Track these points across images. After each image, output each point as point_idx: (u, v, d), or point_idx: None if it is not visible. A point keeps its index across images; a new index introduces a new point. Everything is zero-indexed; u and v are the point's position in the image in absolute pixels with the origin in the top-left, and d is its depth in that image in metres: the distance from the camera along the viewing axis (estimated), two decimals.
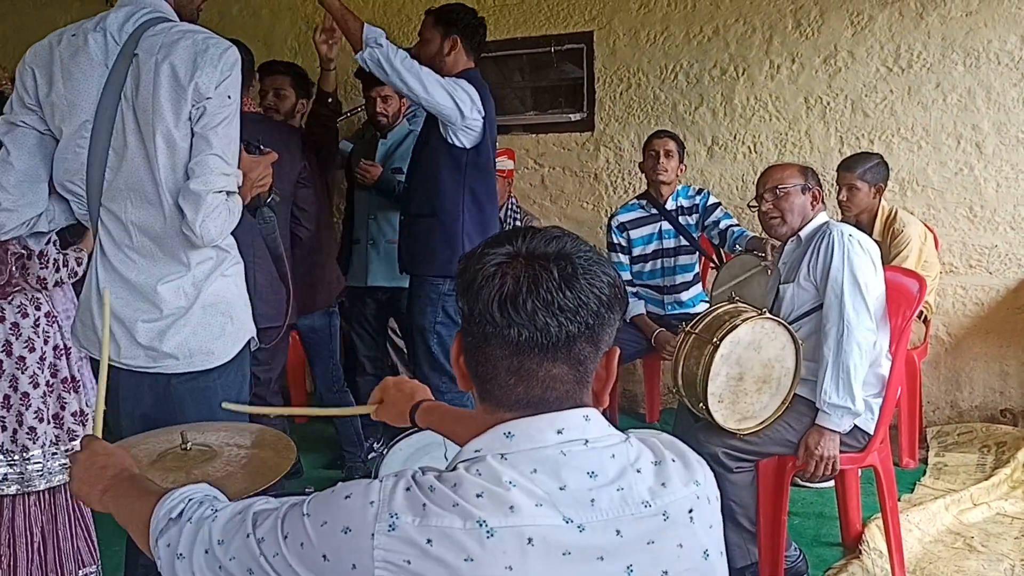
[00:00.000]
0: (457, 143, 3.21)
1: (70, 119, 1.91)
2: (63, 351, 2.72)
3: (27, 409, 2.62)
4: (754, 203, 3.00)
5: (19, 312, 2.64)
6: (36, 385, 2.64)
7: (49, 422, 2.66)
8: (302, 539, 1.02)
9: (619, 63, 4.62)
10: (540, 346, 1.02)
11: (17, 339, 2.63)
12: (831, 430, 2.63)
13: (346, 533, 0.99)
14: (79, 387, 2.74)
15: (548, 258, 1.04)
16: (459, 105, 3.11)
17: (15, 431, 2.61)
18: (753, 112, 4.43)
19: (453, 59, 3.25)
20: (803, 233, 2.84)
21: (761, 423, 2.68)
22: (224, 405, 1.72)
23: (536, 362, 1.04)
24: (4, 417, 2.60)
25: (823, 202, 2.92)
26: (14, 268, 2.59)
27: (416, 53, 3.23)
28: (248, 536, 1.06)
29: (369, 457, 4.02)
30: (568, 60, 4.75)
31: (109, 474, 1.36)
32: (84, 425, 2.72)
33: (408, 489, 1.00)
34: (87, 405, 2.75)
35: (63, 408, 2.70)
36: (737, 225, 4.00)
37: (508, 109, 4.78)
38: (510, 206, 4.36)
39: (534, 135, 4.85)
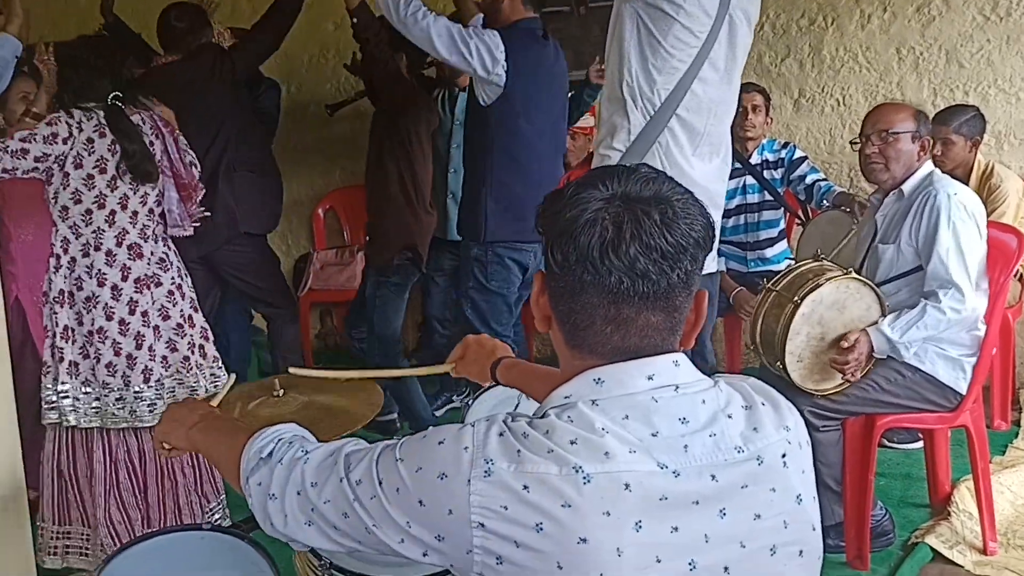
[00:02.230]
0: (481, 99, 3.15)
1: None
2: (174, 296, 2.83)
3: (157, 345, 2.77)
4: (857, 141, 2.84)
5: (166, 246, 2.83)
6: (166, 318, 2.79)
7: (159, 362, 2.78)
8: (397, 484, 1.03)
9: None
10: (640, 294, 1.01)
11: (167, 272, 2.80)
12: (872, 342, 2.58)
13: (441, 479, 1.00)
14: (185, 333, 2.85)
15: (648, 202, 1.02)
16: (470, 59, 3.00)
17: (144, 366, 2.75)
18: (842, 63, 4.28)
19: (510, 7, 3.15)
20: (906, 187, 2.71)
21: (839, 385, 2.63)
22: (290, 370, 1.74)
23: (635, 310, 1.02)
24: (137, 355, 2.74)
25: (931, 152, 2.77)
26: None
27: None
28: (342, 480, 1.08)
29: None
30: None
31: (197, 414, 1.42)
32: (189, 370, 2.85)
33: (501, 435, 1.01)
34: (189, 351, 2.85)
35: (174, 351, 2.82)
36: (824, 180, 3.90)
37: (588, 64, 4.72)
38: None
39: None
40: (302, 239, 5.31)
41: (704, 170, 2.38)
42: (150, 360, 2.74)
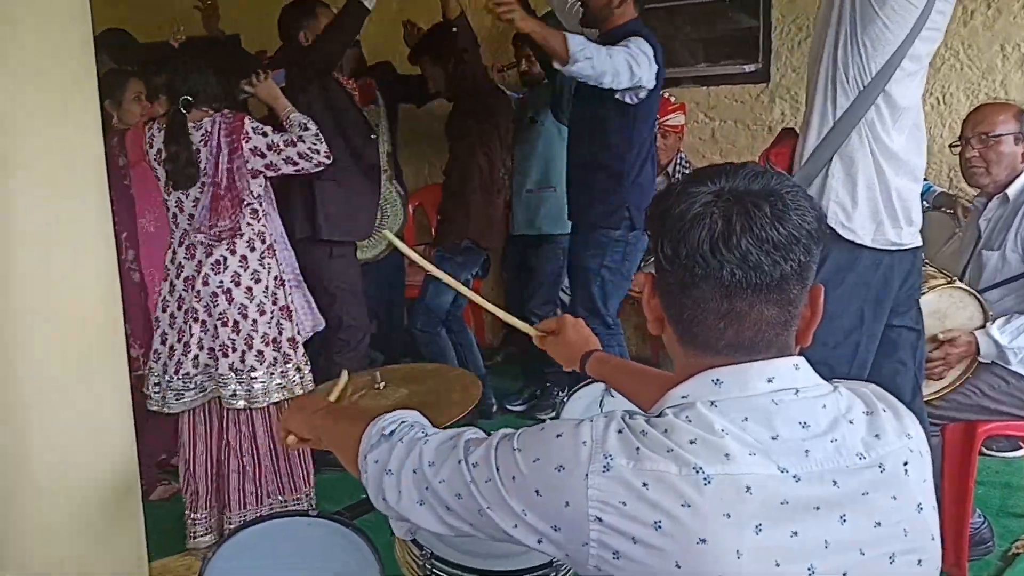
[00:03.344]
0: (627, 99, 3.25)
1: None
2: (281, 282, 2.96)
3: (257, 334, 2.88)
4: (957, 144, 2.77)
5: (247, 246, 2.89)
6: (262, 312, 2.90)
7: (269, 345, 2.91)
8: (514, 472, 1.05)
9: (798, 11, 4.42)
10: (752, 286, 1.00)
11: (244, 271, 2.88)
12: (978, 345, 2.52)
13: (559, 471, 1.01)
14: (292, 315, 2.98)
15: (757, 195, 1.01)
16: (639, 76, 3.15)
17: (244, 352, 2.87)
18: (943, 61, 4.16)
19: (623, 10, 3.28)
20: (1011, 191, 2.63)
21: (939, 391, 2.57)
22: (385, 233, 1.80)
23: (747, 303, 1.02)
24: (234, 339, 2.86)
25: None
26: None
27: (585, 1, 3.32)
28: (460, 462, 1.10)
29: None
30: (741, 9, 4.59)
31: (322, 405, 1.47)
32: (296, 350, 2.98)
33: (620, 432, 1.01)
34: (298, 333, 3.00)
35: (280, 333, 2.95)
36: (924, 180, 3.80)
37: (678, 61, 4.67)
38: (678, 161, 4.31)
39: (705, 87, 4.72)
40: None
41: (902, 143, 2.36)
42: (199, 350, 2.91)
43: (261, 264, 2.91)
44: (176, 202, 2.88)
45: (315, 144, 2.96)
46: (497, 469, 1.07)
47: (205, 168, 2.84)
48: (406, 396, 1.81)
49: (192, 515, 2.99)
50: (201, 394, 2.91)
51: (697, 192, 1.03)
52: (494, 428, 1.15)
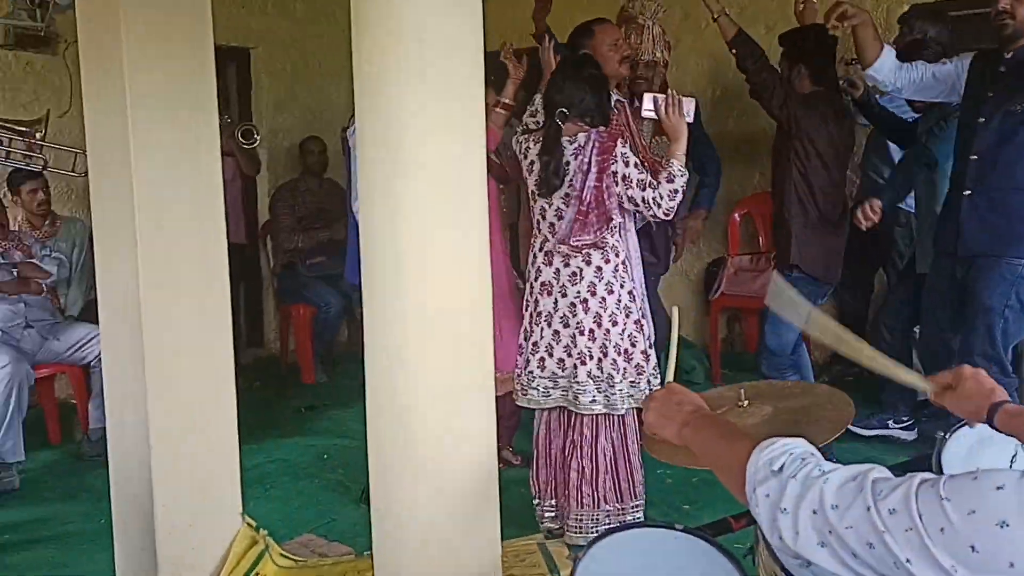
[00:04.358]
0: None
1: None
2: (632, 296, 3.05)
3: (610, 343, 2.98)
4: None
5: (603, 258, 2.99)
6: (615, 323, 3.00)
7: (622, 355, 3.01)
8: (942, 524, 0.98)
9: None
10: None
11: (600, 281, 2.98)
12: None
13: (1003, 527, 0.93)
14: (644, 328, 3.07)
15: None
16: None
17: (600, 360, 2.99)
18: None
19: None
20: None
21: None
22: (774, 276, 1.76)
23: None
24: (591, 347, 2.98)
25: None
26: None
27: None
28: (869, 508, 1.05)
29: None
30: None
31: (687, 409, 1.46)
32: (647, 362, 3.05)
33: None
34: (649, 346, 3.07)
35: (633, 345, 3.04)
36: None
37: None
38: None
39: None
40: (715, 242, 5.33)
41: None
42: (546, 353, 3.06)
43: (615, 276, 3.00)
44: (540, 209, 3.04)
45: (667, 200, 2.91)
46: (920, 517, 1.00)
47: (571, 181, 2.95)
48: (772, 414, 1.77)
49: (540, 502, 3.18)
50: (562, 395, 3.06)
51: None
52: (843, 454, 1.09)
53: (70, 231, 4.79)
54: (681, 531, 1.61)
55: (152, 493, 2.58)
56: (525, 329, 3.13)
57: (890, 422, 3.97)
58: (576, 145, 2.96)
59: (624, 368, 2.99)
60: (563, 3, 4.18)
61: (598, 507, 3.06)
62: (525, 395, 3.11)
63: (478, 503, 2.09)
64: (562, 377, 3.05)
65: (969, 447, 1.80)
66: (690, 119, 3.00)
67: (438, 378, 2.01)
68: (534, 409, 3.16)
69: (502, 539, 2.21)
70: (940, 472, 1.69)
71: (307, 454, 4.30)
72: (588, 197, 2.92)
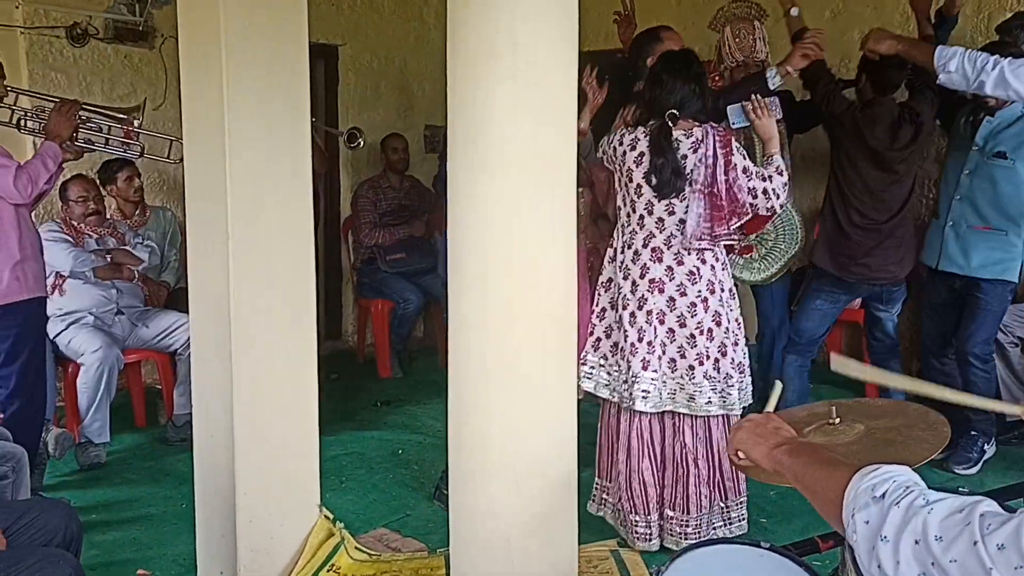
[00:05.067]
0: None
1: None
2: (732, 293, 3.08)
3: (728, 342, 3.02)
4: None
5: (714, 256, 3.05)
6: (729, 322, 3.05)
7: (728, 355, 3.06)
8: None
9: None
10: None
11: (715, 279, 3.04)
12: None
13: None
14: (738, 339, 3.08)
15: None
16: None
17: (718, 360, 3.01)
18: None
19: None
20: None
21: None
22: (832, 356, 1.73)
23: None
24: (708, 347, 3.00)
25: None
26: None
27: None
28: (976, 543, 1.01)
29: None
30: None
31: (784, 435, 1.43)
32: (747, 359, 3.11)
33: None
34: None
35: (735, 344, 3.06)
36: None
37: None
38: None
39: None
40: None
41: None
42: (649, 354, 2.97)
43: (725, 274, 3.05)
44: (646, 205, 3.02)
45: (783, 192, 3.01)
46: None
47: (694, 176, 2.95)
48: (864, 433, 1.71)
49: (637, 517, 3.11)
50: (670, 399, 3.03)
51: None
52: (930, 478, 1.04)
53: (159, 220, 4.93)
54: (767, 549, 1.57)
55: (234, 481, 2.63)
56: (624, 330, 3.04)
57: (985, 446, 3.83)
58: (693, 139, 2.96)
59: (739, 366, 3.06)
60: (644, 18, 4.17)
61: (712, 508, 3.08)
62: (589, 380, 3.10)
63: (556, 506, 2.07)
64: (671, 379, 3.01)
65: None
66: (779, 115, 3.07)
67: (520, 378, 2.00)
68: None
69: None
70: None
71: (382, 448, 4.35)
72: (720, 190, 2.94)
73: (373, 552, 2.92)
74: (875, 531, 1.12)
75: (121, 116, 4.16)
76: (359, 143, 5.33)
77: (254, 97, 2.52)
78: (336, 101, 6.12)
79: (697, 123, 3.00)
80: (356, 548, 2.81)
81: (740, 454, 1.47)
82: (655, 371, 2.98)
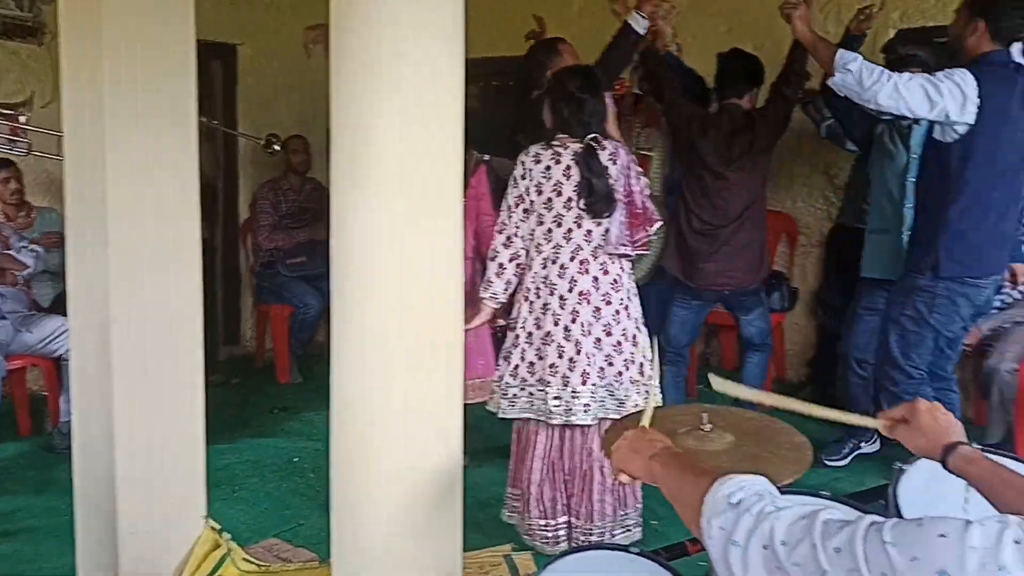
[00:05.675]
0: (944, 137, 3.16)
1: None
2: (619, 315, 3.10)
3: (648, 347, 3.09)
4: None
5: (629, 263, 3.16)
6: (639, 329, 3.14)
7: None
8: (884, 568, 0.99)
9: None
10: None
11: (632, 286, 3.15)
12: None
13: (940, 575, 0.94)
14: (623, 350, 3.11)
15: None
16: (940, 108, 3.04)
17: (642, 365, 3.11)
18: None
19: (974, 42, 3.16)
20: None
21: None
22: (711, 377, 1.77)
23: None
24: (633, 352, 3.11)
25: None
26: None
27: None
28: (815, 546, 1.05)
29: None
30: None
31: (658, 446, 1.46)
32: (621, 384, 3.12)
33: (1018, 543, 0.92)
34: (624, 366, 3.11)
35: (610, 364, 3.08)
36: None
37: None
38: None
39: None
40: None
41: None
42: (588, 366, 3.01)
43: (632, 280, 3.14)
44: (576, 218, 3.06)
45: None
46: (866, 561, 1.00)
47: (614, 187, 3.04)
48: (733, 444, 1.77)
49: (540, 520, 3.17)
50: (600, 406, 3.05)
51: None
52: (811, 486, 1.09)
53: (46, 222, 4.75)
54: (636, 554, 1.61)
55: (115, 490, 2.56)
56: (559, 346, 3.05)
57: (862, 443, 3.98)
58: (609, 152, 3.06)
59: (595, 382, 3.06)
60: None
61: (615, 517, 3.14)
62: (584, 412, 3.03)
63: (440, 513, 2.08)
64: (601, 387, 3.05)
65: (927, 479, 1.80)
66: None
67: (404, 384, 2.00)
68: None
69: (467, 549, 2.20)
70: (896, 503, 1.69)
71: (278, 456, 4.28)
72: (636, 199, 3.07)
73: (262, 563, 2.88)
74: (728, 536, 1.16)
75: (7, 112, 4.01)
76: (275, 149, 5.32)
77: (135, 95, 2.46)
78: (235, 101, 6.00)
79: (607, 136, 3.14)
80: (244, 559, 2.76)
81: (624, 476, 1.50)
82: (594, 384, 3.02)
